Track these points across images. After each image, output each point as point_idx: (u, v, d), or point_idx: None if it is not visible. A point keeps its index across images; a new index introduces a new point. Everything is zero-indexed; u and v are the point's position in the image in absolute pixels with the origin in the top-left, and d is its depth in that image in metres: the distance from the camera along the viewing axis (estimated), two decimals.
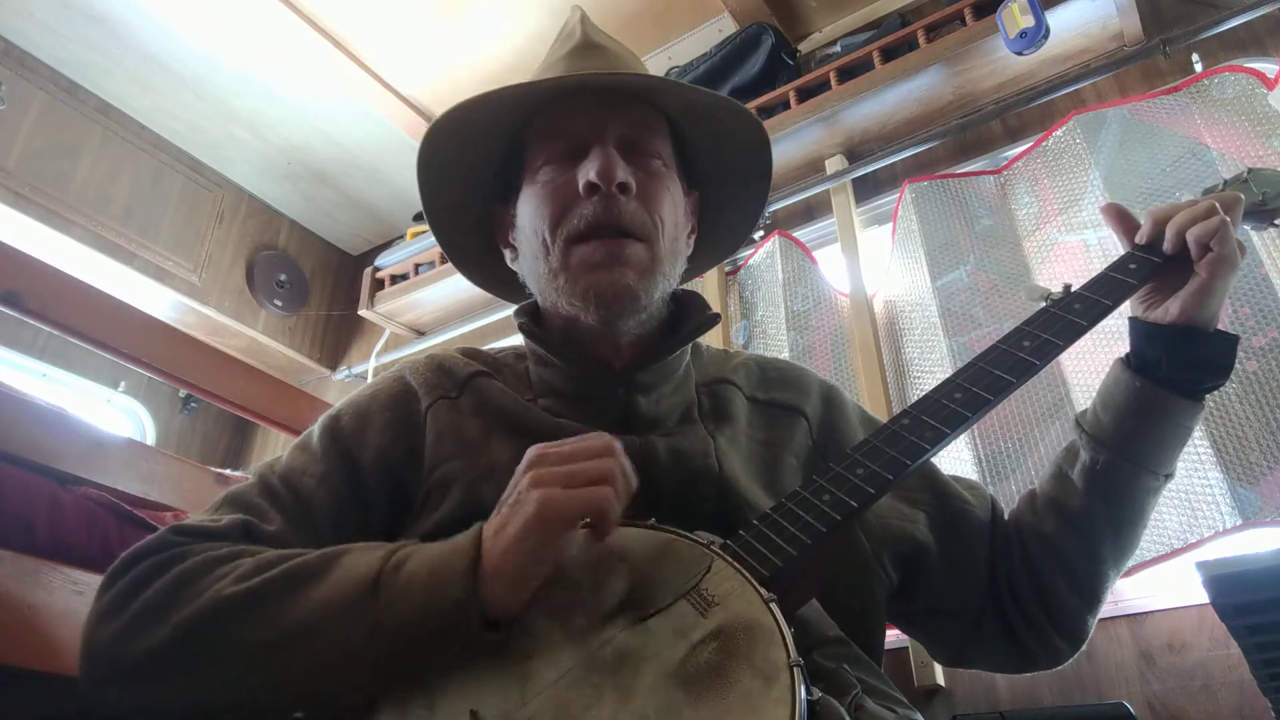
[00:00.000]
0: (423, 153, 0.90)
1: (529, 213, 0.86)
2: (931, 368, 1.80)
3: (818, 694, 0.53)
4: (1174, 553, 1.39)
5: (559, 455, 0.63)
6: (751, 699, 0.50)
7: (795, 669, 0.51)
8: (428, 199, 0.93)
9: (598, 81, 0.86)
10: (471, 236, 0.97)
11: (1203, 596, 0.86)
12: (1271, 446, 1.37)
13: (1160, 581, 1.46)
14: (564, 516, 0.59)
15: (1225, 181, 0.95)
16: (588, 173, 0.80)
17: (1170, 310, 0.81)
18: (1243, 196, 0.87)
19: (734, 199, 0.99)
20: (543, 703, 0.54)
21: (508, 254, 0.93)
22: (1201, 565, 0.84)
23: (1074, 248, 1.73)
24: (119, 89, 2.63)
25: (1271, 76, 1.59)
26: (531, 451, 0.64)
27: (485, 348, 0.96)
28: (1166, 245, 0.81)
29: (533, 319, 0.89)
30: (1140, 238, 0.84)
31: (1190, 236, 0.79)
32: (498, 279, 0.98)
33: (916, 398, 1.93)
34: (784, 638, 0.53)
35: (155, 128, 2.77)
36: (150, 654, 0.63)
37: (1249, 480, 1.36)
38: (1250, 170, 0.94)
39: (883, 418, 0.78)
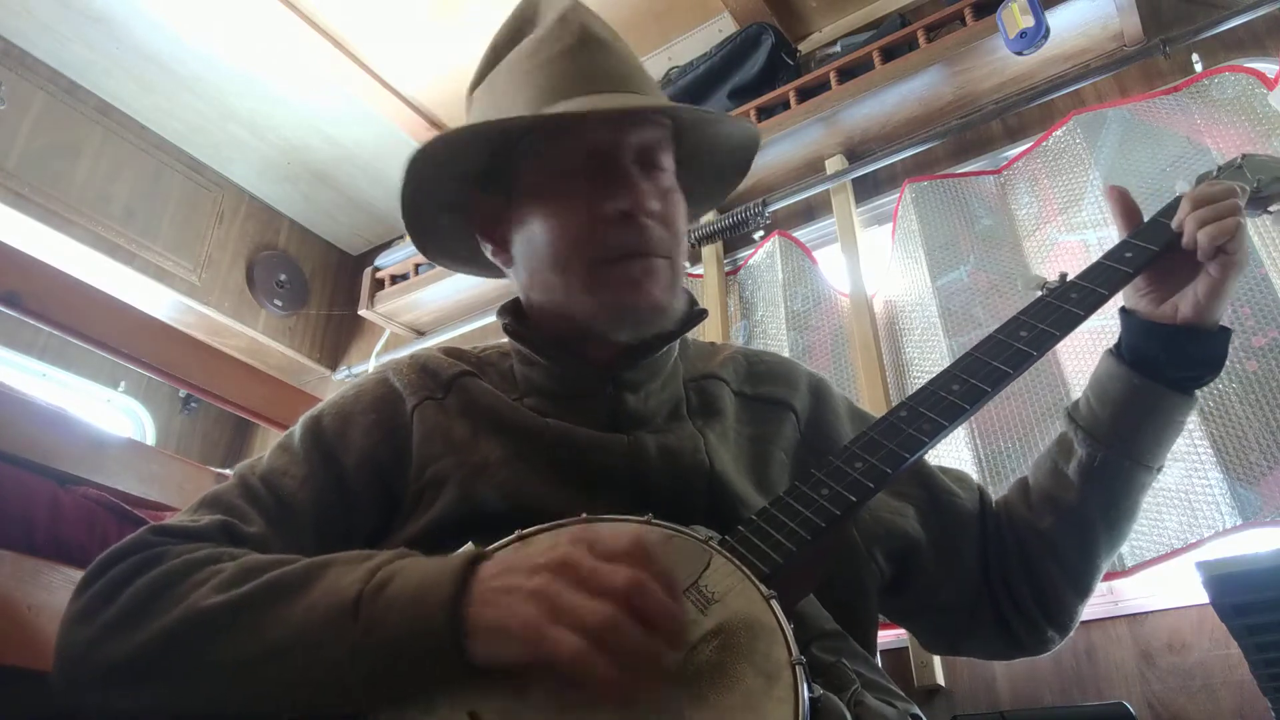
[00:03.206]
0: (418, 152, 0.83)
1: (545, 226, 0.81)
2: (931, 368, 1.80)
3: (820, 691, 0.53)
4: (1174, 553, 1.39)
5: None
6: (754, 698, 0.50)
7: (797, 667, 0.51)
8: (410, 180, 0.85)
9: (627, 108, 0.80)
10: (440, 216, 0.90)
11: (1203, 596, 0.86)
12: (1271, 446, 1.36)
13: (1160, 581, 1.45)
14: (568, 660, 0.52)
15: (1219, 168, 0.94)
16: (620, 202, 0.78)
17: (1182, 310, 0.80)
18: (1247, 188, 0.86)
19: (707, 184, 0.98)
20: (541, 702, 0.53)
21: (488, 246, 0.88)
22: (1201, 565, 0.84)
23: (1074, 247, 1.73)
24: (119, 89, 2.63)
25: (1271, 76, 1.59)
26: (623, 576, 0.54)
27: (469, 347, 0.94)
28: (1186, 239, 0.80)
29: (516, 318, 0.87)
30: (1175, 225, 0.82)
31: (1205, 235, 0.78)
32: (456, 256, 0.94)
33: None
34: (785, 635, 0.53)
35: (155, 128, 2.77)
36: (126, 661, 0.62)
37: (1249, 480, 1.36)
38: (1244, 157, 0.93)
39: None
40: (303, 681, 0.59)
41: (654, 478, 0.75)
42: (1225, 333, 0.81)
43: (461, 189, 0.88)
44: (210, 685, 0.61)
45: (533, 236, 0.83)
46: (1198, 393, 0.84)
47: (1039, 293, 0.83)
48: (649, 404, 0.82)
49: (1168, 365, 0.81)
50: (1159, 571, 1.41)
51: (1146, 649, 1.40)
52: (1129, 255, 0.82)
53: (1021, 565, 0.87)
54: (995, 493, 0.96)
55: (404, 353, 0.96)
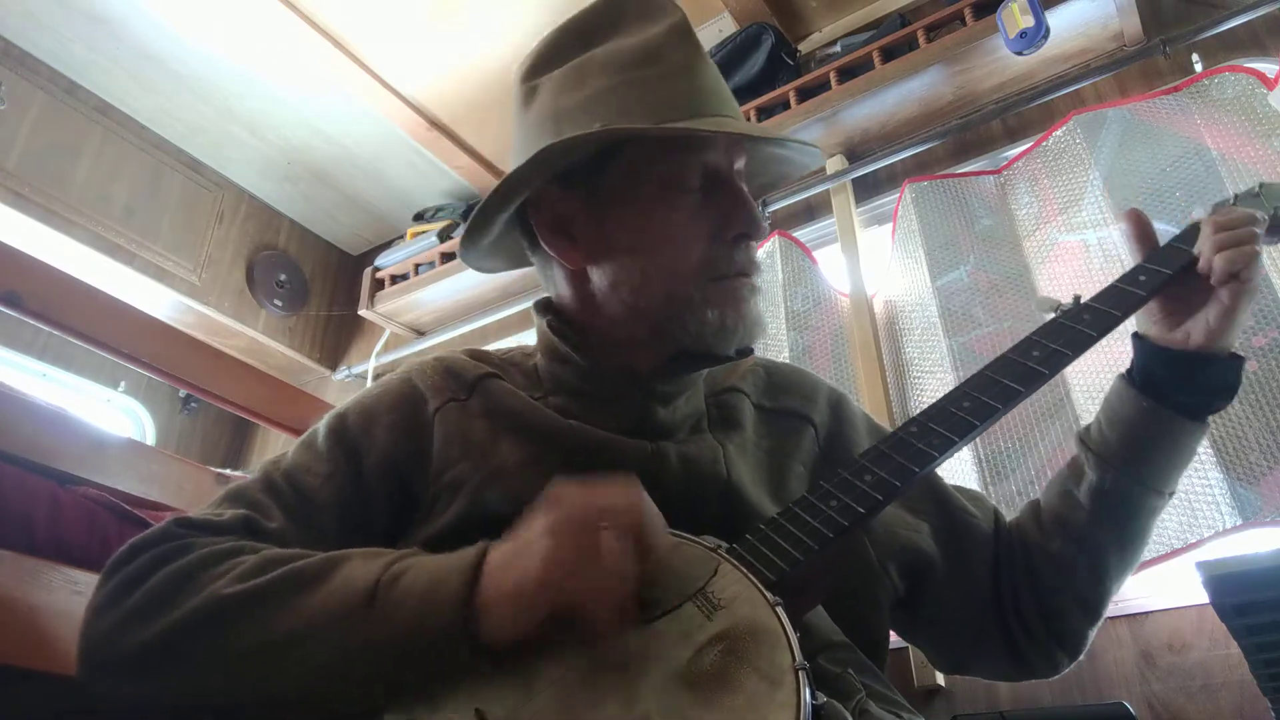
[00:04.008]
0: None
1: (656, 234, 0.80)
2: (931, 368, 1.80)
3: (823, 698, 0.53)
4: (1174, 553, 1.39)
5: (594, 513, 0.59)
6: (757, 702, 0.51)
7: (800, 673, 0.51)
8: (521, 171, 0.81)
9: (787, 137, 0.86)
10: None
11: (1203, 596, 0.86)
12: (1271, 446, 1.36)
13: (1160, 581, 1.46)
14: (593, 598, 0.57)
15: (1236, 196, 0.94)
16: (740, 224, 0.80)
17: (1194, 335, 0.80)
18: (1265, 216, 0.86)
19: None
20: (548, 702, 0.54)
21: (557, 241, 0.83)
22: (1201, 565, 0.83)
23: (1074, 248, 1.73)
24: (119, 89, 2.63)
25: (1271, 76, 1.59)
26: (572, 507, 0.60)
27: (492, 349, 0.94)
28: (1202, 264, 0.81)
29: (556, 315, 0.87)
30: (1196, 250, 0.82)
31: (1221, 260, 0.78)
32: (492, 250, 0.92)
33: (916, 398, 1.89)
34: (789, 641, 0.53)
35: (155, 128, 2.76)
36: (145, 648, 0.63)
37: (1249, 480, 1.36)
38: (1262, 185, 0.93)
39: (883, 418, 0.78)
40: (316, 672, 0.60)
41: (671, 485, 0.75)
42: (1237, 360, 0.82)
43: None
44: (226, 674, 0.62)
45: (638, 242, 0.81)
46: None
47: (1052, 314, 0.83)
48: (675, 416, 0.82)
49: (1178, 390, 0.81)
50: (1159, 571, 1.41)
51: (1146, 649, 1.41)
52: (1143, 279, 0.82)
53: (1031, 586, 0.87)
54: (994, 492, 0.96)
55: (406, 353, 0.96)
